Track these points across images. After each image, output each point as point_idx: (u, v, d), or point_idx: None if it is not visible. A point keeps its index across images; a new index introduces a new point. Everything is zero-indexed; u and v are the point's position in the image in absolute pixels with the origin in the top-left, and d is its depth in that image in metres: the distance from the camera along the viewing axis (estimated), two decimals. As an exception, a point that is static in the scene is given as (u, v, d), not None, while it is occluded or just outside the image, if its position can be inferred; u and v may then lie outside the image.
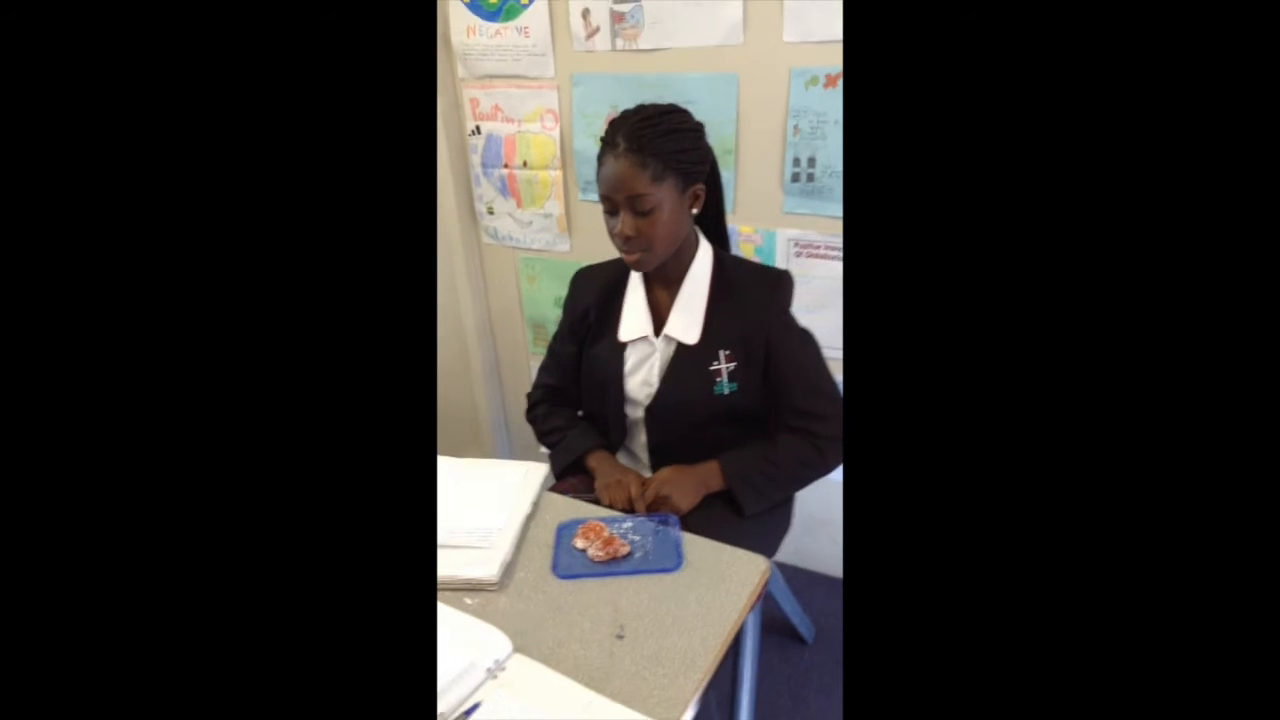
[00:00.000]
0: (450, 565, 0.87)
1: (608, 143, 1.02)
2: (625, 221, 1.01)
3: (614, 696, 0.70)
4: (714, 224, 1.17)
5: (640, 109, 1.04)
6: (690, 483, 1.07)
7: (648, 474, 1.16)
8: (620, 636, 0.77)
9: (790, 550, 1.15)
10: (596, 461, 1.14)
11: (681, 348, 1.11)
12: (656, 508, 1.04)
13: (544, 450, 1.26)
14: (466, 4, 1.55)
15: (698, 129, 1.06)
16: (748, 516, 1.07)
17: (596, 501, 1.07)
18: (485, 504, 0.98)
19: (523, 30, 1.52)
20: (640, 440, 1.18)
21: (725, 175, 1.42)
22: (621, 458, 1.23)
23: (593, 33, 1.45)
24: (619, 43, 1.44)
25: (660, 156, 0.99)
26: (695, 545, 0.90)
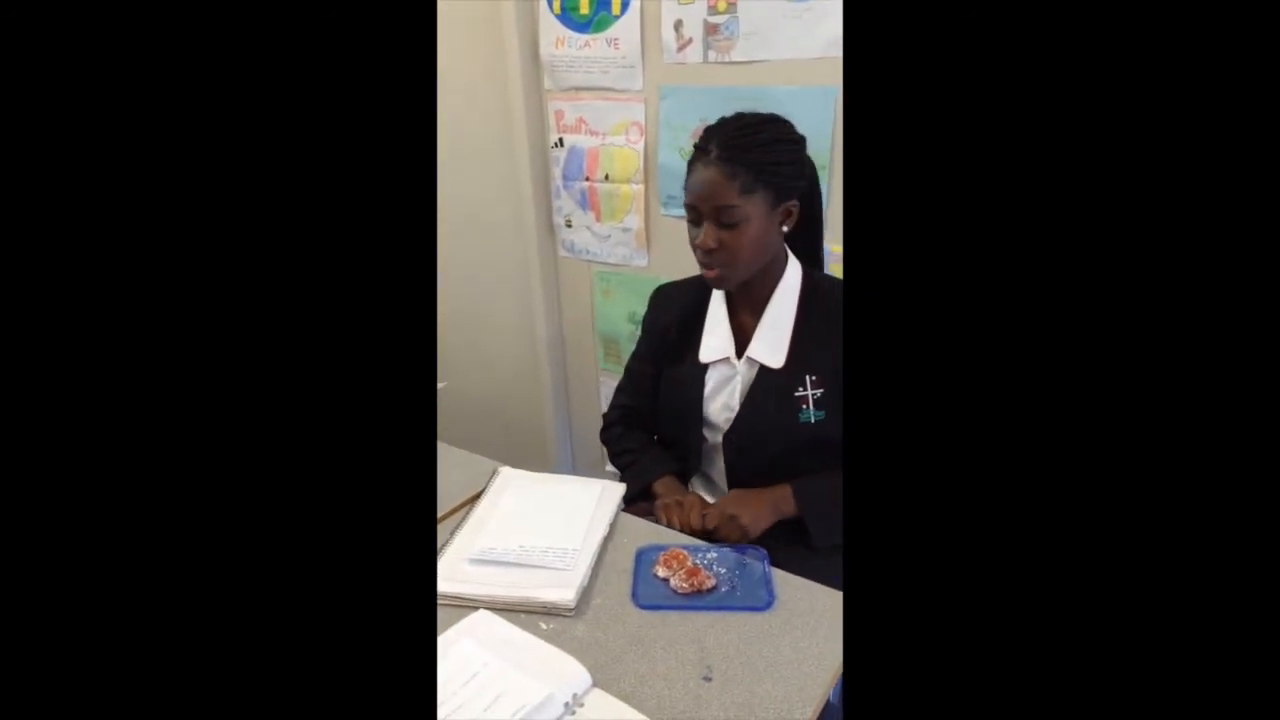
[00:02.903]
0: (525, 586, 0.82)
1: (700, 149, 0.97)
2: (708, 233, 0.96)
3: (702, 746, 0.64)
4: (809, 243, 1.10)
5: (741, 116, 0.99)
6: (761, 505, 0.99)
7: None
8: (708, 679, 0.71)
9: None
10: (662, 487, 1.09)
11: (765, 371, 1.05)
12: (724, 530, 0.95)
13: (609, 469, 1.22)
14: (557, 15, 1.55)
15: (799, 142, 1.00)
16: (815, 548, 0.98)
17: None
18: (561, 522, 0.93)
19: (612, 42, 1.50)
20: (719, 466, 1.12)
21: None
22: (699, 484, 1.18)
23: (685, 44, 1.42)
24: (711, 55, 1.40)
25: (752, 168, 0.94)
26: (785, 583, 0.84)
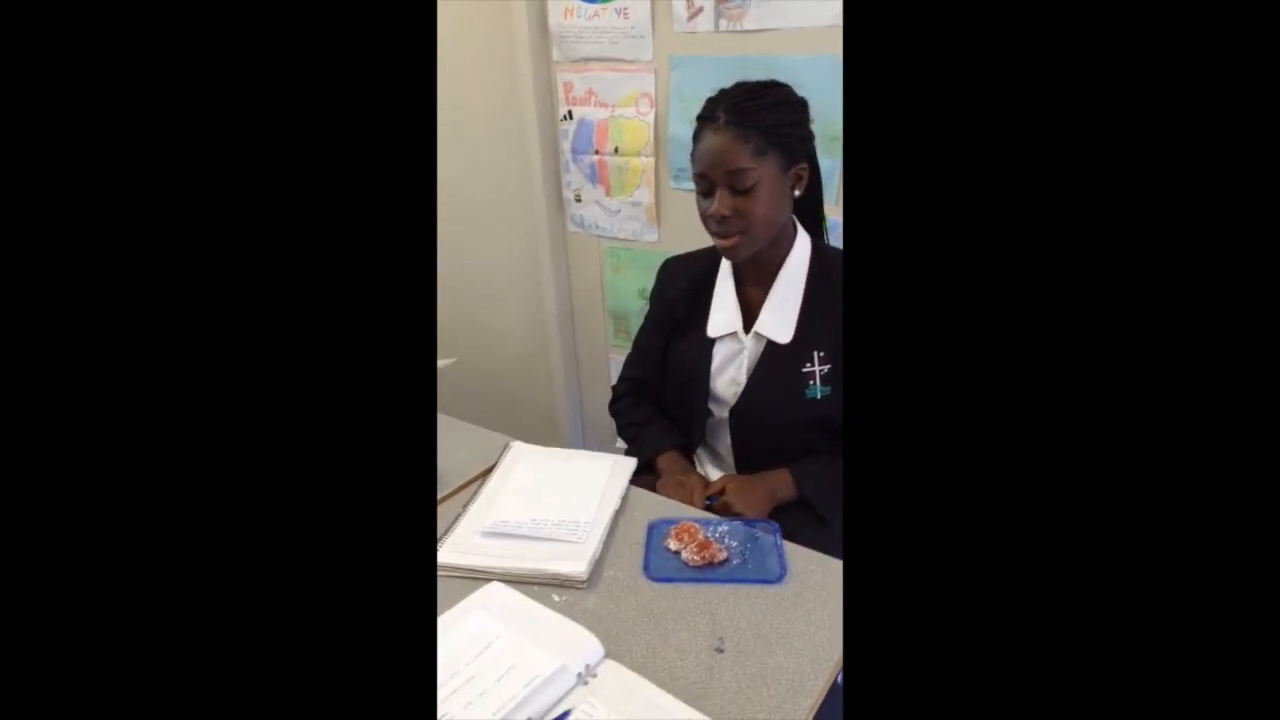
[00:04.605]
0: (538, 559, 0.83)
1: (706, 118, 0.96)
2: (722, 200, 0.95)
3: (715, 715, 0.64)
4: (812, 213, 1.09)
5: (741, 84, 0.98)
6: (759, 495, 1.00)
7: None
8: (720, 650, 0.71)
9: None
10: (666, 462, 1.09)
11: (772, 346, 1.04)
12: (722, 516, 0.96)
13: (619, 445, 1.22)
14: (566, -16, 1.52)
15: (802, 104, 0.98)
16: (830, 524, 0.99)
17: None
18: (574, 496, 0.94)
19: (622, 12, 1.48)
20: (725, 441, 1.12)
21: (831, 162, 1.35)
22: (705, 457, 1.18)
23: (695, 13, 1.40)
24: (723, 24, 1.38)
25: (763, 130, 0.92)
26: (797, 556, 0.84)
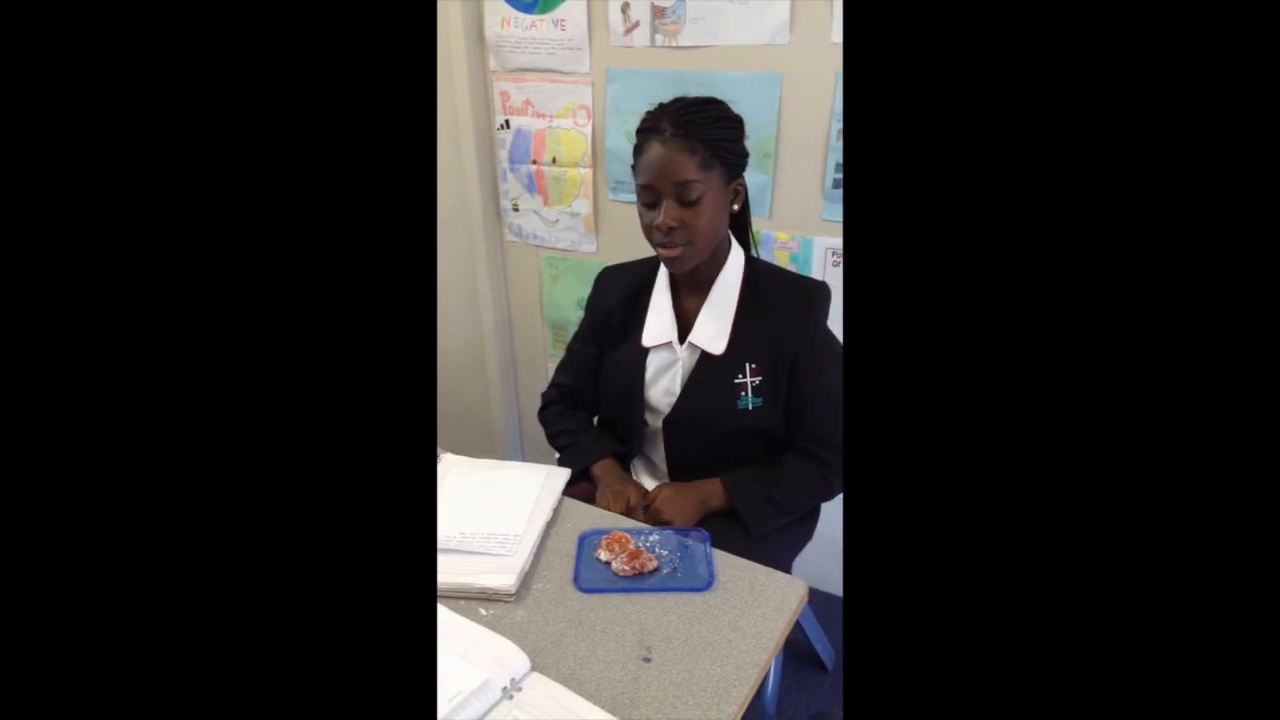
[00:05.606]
0: (465, 573, 0.81)
1: (651, 130, 0.97)
2: (668, 211, 0.96)
3: (640, 725, 0.64)
4: (741, 228, 1.11)
5: (681, 99, 0.99)
6: (689, 503, 1.02)
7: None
8: (647, 659, 0.71)
9: (813, 573, 1.10)
10: (602, 470, 1.09)
11: (705, 357, 1.05)
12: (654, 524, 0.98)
13: (558, 456, 1.21)
14: (503, -6, 1.52)
15: (739, 121, 1.01)
16: (754, 537, 1.02)
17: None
18: (504, 508, 0.93)
19: (559, 23, 1.48)
20: (661, 450, 1.13)
21: (763, 179, 1.38)
22: (640, 466, 1.18)
23: (632, 28, 1.41)
24: (658, 39, 1.40)
25: (708, 144, 0.94)
26: (726, 564, 0.85)
